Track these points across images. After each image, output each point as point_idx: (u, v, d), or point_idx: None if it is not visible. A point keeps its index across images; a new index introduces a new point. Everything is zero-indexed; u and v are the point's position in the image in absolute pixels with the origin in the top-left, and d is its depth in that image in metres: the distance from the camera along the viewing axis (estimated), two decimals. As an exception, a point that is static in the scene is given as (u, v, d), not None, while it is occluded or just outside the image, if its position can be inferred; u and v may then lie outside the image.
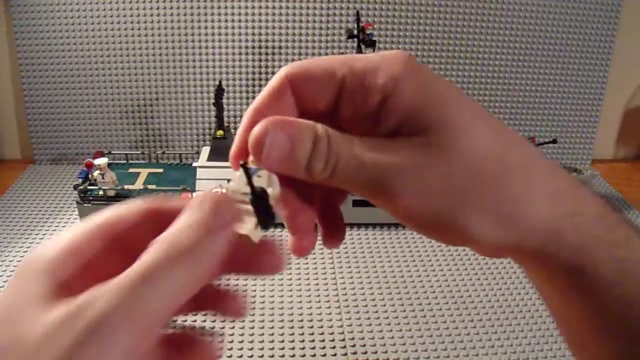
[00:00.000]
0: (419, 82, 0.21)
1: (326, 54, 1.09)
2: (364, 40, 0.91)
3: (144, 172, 0.99)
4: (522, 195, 0.21)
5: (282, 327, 0.71)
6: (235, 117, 1.12)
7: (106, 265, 0.20)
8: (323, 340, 0.69)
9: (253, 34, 1.07)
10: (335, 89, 0.22)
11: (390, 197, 0.21)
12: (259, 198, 0.22)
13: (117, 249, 0.21)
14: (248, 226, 0.22)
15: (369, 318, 0.73)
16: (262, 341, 0.69)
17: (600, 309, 0.22)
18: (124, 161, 1.03)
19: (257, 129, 0.21)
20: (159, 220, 0.21)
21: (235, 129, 1.13)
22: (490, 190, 0.21)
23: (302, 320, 0.72)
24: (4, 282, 0.77)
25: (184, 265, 0.18)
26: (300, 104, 0.23)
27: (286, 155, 0.21)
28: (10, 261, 0.82)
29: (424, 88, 0.21)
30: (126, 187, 0.92)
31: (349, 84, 0.22)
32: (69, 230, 0.21)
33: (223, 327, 0.70)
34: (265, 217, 0.22)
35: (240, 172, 0.22)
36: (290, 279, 0.81)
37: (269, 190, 0.22)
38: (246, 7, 1.05)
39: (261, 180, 0.22)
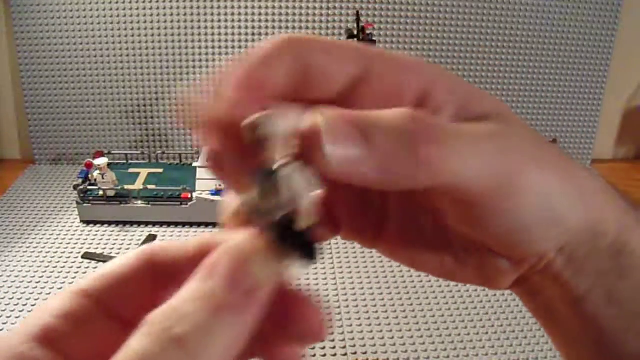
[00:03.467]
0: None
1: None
2: (364, 40, 0.91)
3: (144, 172, 0.99)
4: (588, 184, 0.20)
5: (282, 327, 0.71)
6: (235, 117, 1.12)
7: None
8: (323, 340, 0.69)
9: (253, 34, 1.07)
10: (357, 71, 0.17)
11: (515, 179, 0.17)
12: (286, 227, 0.15)
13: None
14: (286, 264, 0.15)
15: (369, 318, 0.73)
16: (262, 341, 0.68)
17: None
18: (124, 161, 1.03)
19: (311, 120, 0.15)
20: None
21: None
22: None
23: (302, 320, 0.72)
24: (4, 282, 0.77)
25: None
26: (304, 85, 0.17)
27: (366, 149, 0.15)
28: (10, 261, 0.82)
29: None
30: (126, 187, 0.92)
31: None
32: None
33: (223, 327, 0.70)
34: (309, 246, 0.15)
35: (256, 179, 0.15)
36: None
37: (305, 200, 0.15)
38: (246, 7, 1.05)
39: (289, 180, 0.15)
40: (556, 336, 0.24)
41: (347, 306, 0.75)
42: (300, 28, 1.07)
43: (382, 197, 0.22)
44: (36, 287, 0.77)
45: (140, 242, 0.77)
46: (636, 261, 0.20)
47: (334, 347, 0.68)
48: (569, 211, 0.19)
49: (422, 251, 0.22)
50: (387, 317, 0.73)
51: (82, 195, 0.92)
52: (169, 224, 0.92)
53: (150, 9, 1.05)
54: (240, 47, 1.08)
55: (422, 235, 0.22)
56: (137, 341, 0.14)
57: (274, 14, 1.06)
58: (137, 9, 1.05)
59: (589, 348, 0.22)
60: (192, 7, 1.05)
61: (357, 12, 0.96)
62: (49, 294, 0.75)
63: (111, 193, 0.92)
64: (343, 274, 0.82)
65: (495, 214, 0.18)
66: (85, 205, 0.91)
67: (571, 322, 0.22)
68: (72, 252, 0.85)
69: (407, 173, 0.16)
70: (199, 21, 1.06)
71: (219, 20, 1.06)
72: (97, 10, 1.04)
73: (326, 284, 0.80)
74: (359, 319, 0.73)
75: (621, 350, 0.21)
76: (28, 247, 0.86)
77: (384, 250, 0.22)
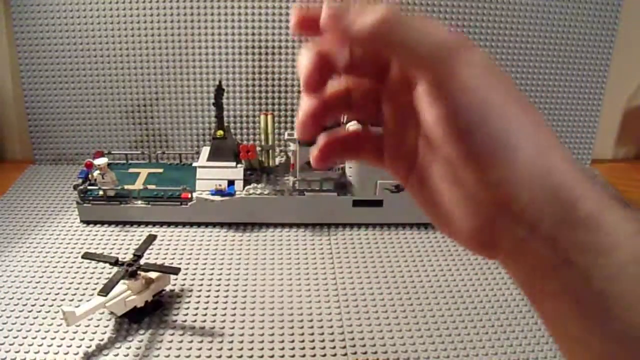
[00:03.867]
0: None
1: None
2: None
3: (144, 172, 0.99)
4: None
5: (282, 327, 0.71)
6: (235, 117, 1.12)
7: None
8: (323, 340, 0.69)
9: (253, 34, 1.07)
10: None
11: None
12: None
13: None
14: None
15: (369, 318, 0.73)
16: (262, 341, 0.69)
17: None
18: (124, 161, 1.03)
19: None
20: None
21: (235, 129, 1.13)
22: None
23: (302, 320, 0.72)
24: (4, 282, 0.77)
25: None
26: None
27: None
28: (10, 261, 0.82)
29: None
30: (126, 187, 0.92)
31: None
32: None
33: (223, 327, 0.70)
34: None
35: None
36: (290, 279, 0.81)
37: None
38: (246, 7, 1.05)
39: None
40: (542, 311, 0.23)
41: (347, 306, 0.75)
42: (300, 28, 1.07)
43: (415, 139, 0.26)
44: (36, 287, 0.77)
45: (140, 242, 0.76)
46: (614, 239, 0.20)
47: (334, 347, 0.68)
48: (519, 138, 0.21)
49: (434, 196, 0.26)
50: (387, 317, 0.73)
51: (82, 195, 0.92)
52: (169, 224, 0.92)
53: (150, 9, 1.05)
54: (240, 47, 1.08)
55: (437, 179, 0.26)
56: None
57: (274, 14, 1.06)
58: (137, 9, 1.05)
59: (575, 323, 0.21)
60: (192, 8, 1.05)
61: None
62: (49, 294, 0.75)
63: (111, 193, 0.92)
64: (343, 274, 0.82)
65: (453, 101, 0.21)
66: (85, 205, 0.91)
67: (554, 296, 0.21)
68: (72, 252, 0.85)
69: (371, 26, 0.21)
70: (199, 21, 1.06)
71: (219, 20, 1.06)
72: (97, 10, 1.04)
73: (326, 284, 0.80)
74: (359, 319, 0.73)
75: (608, 327, 0.20)
76: (28, 247, 0.86)
77: (410, 188, 0.28)
